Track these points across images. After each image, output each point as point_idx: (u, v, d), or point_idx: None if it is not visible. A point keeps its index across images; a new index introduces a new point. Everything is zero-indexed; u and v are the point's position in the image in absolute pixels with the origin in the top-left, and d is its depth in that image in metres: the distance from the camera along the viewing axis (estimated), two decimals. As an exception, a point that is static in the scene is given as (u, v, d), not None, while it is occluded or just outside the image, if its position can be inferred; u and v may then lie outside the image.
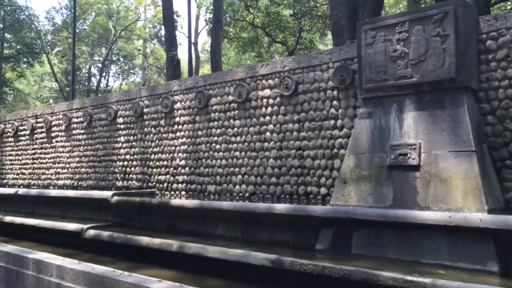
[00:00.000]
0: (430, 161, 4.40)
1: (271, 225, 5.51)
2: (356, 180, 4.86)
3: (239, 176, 6.75)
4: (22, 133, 11.46)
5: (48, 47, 26.62)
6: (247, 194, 6.64)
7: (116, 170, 8.82)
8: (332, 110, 5.79)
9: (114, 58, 45.82)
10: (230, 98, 6.99)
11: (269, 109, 6.48)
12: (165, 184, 7.86)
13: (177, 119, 7.78)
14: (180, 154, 7.65)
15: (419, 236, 4.01)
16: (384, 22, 4.98)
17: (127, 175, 8.61)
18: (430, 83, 4.60)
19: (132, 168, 8.50)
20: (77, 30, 36.19)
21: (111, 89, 46.60)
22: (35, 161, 10.95)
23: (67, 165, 10.03)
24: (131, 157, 8.55)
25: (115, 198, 7.23)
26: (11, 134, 11.80)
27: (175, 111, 7.82)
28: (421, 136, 4.56)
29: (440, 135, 4.46)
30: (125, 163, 8.66)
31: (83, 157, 9.64)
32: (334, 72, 5.74)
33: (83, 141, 9.68)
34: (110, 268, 3.86)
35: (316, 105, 5.96)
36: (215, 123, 7.17)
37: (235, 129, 6.88)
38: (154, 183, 8.07)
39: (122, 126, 8.82)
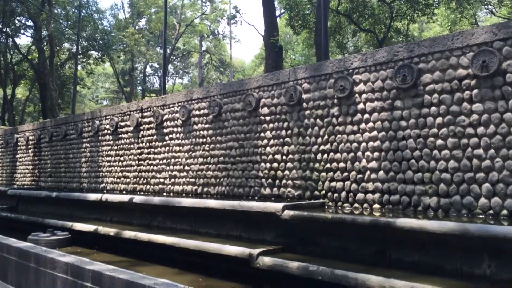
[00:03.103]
0: None
1: None
2: None
3: (486, 185, 4.64)
4: (123, 129, 9.88)
5: (114, 44, 25.60)
6: (504, 212, 4.53)
7: (261, 174, 6.94)
8: None
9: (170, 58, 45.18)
10: (462, 72, 4.90)
11: (546, 84, 4.33)
12: (343, 194, 5.87)
13: (361, 105, 5.77)
14: (368, 153, 5.64)
15: None
16: None
17: (277, 181, 6.70)
18: None
19: (286, 172, 6.59)
20: (139, 27, 35.39)
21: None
22: (141, 162, 9.32)
23: (186, 167, 8.28)
24: (284, 157, 6.64)
25: (289, 212, 5.33)
26: (109, 132, 10.27)
27: (357, 95, 5.83)
28: None
29: None
30: (275, 165, 6.76)
31: (209, 158, 7.85)
32: None
33: (208, 138, 7.89)
34: None
35: None
36: (433, 108, 5.10)
37: (474, 116, 4.77)
38: (323, 192, 6.11)
39: (267, 118, 6.94)
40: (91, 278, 4.30)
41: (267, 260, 4.91)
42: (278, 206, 5.46)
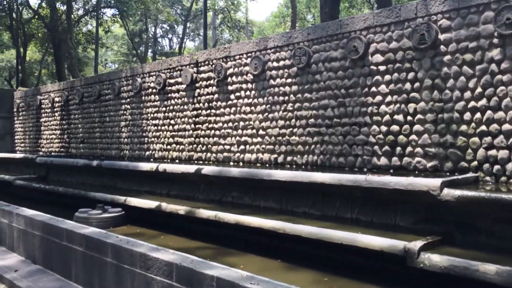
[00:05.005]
0: None
1: None
2: None
3: None
4: (173, 88, 8.38)
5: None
6: None
7: (373, 140, 5.49)
8: None
9: (181, 19, 43.44)
10: None
11: None
12: (509, 166, 4.43)
13: (540, 46, 4.24)
14: (553, 111, 4.16)
15: None
16: None
17: (399, 148, 5.25)
18: None
19: (413, 136, 5.13)
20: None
21: (175, 52, 44.25)
22: (199, 126, 7.88)
23: (260, 132, 6.85)
24: (409, 118, 5.16)
25: (453, 192, 3.91)
26: (155, 91, 8.78)
27: (534, 31, 4.29)
28: None
29: None
30: (394, 127, 5.29)
31: (293, 120, 6.39)
32: None
33: (292, 95, 6.40)
34: None
35: None
36: None
37: None
38: (474, 163, 4.67)
39: (382, 68, 5.42)
40: (217, 291, 2.95)
41: (437, 259, 3.52)
42: (434, 182, 4.03)
